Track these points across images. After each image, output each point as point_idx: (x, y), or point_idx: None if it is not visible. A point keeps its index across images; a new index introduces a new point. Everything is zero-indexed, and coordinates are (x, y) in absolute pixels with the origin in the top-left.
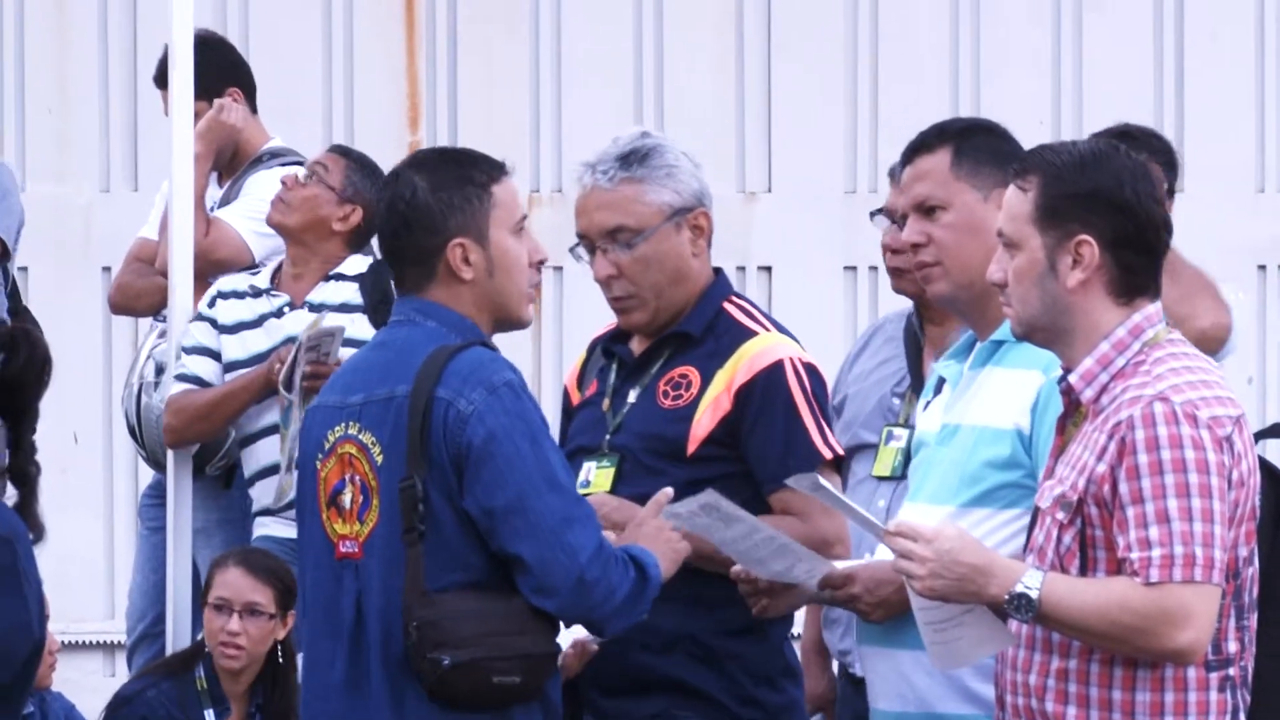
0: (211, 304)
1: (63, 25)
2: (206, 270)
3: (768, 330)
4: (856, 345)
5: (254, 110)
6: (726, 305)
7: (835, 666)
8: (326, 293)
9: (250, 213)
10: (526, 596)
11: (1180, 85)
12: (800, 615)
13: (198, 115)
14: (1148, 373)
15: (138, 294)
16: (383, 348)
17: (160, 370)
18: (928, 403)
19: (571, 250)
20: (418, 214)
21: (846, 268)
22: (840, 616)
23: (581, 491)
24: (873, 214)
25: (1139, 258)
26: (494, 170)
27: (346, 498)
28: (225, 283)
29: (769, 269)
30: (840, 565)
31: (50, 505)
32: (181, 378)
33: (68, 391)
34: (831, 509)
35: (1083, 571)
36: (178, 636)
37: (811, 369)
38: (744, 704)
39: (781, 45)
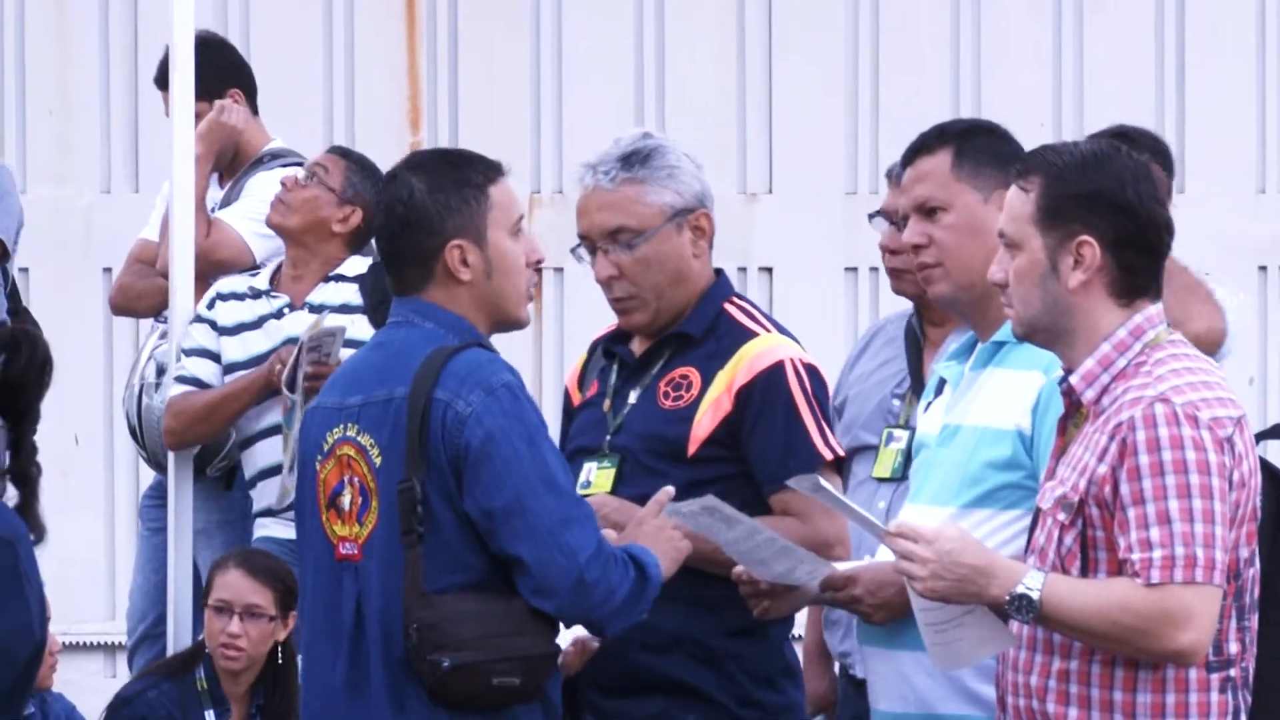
0: (211, 306)
1: (63, 27)
2: (207, 271)
3: (768, 331)
4: (857, 347)
5: (255, 111)
6: (727, 306)
7: (836, 668)
8: (326, 294)
9: (251, 214)
10: (526, 598)
11: (1181, 82)
12: (802, 617)
13: (198, 116)
14: (1149, 374)
15: (138, 295)
16: (380, 349)
17: (161, 371)
18: (928, 404)
19: (572, 251)
20: (416, 215)
21: (847, 269)
22: (840, 618)
23: (582, 492)
24: (871, 216)
25: (1140, 259)
26: (490, 171)
27: (346, 499)
28: (224, 284)
29: (770, 270)
30: (841, 567)
31: (51, 506)
32: (181, 380)
33: (68, 393)
34: (832, 510)
35: (1084, 572)
36: (178, 637)
37: (812, 370)
38: (744, 705)
39: (782, 41)
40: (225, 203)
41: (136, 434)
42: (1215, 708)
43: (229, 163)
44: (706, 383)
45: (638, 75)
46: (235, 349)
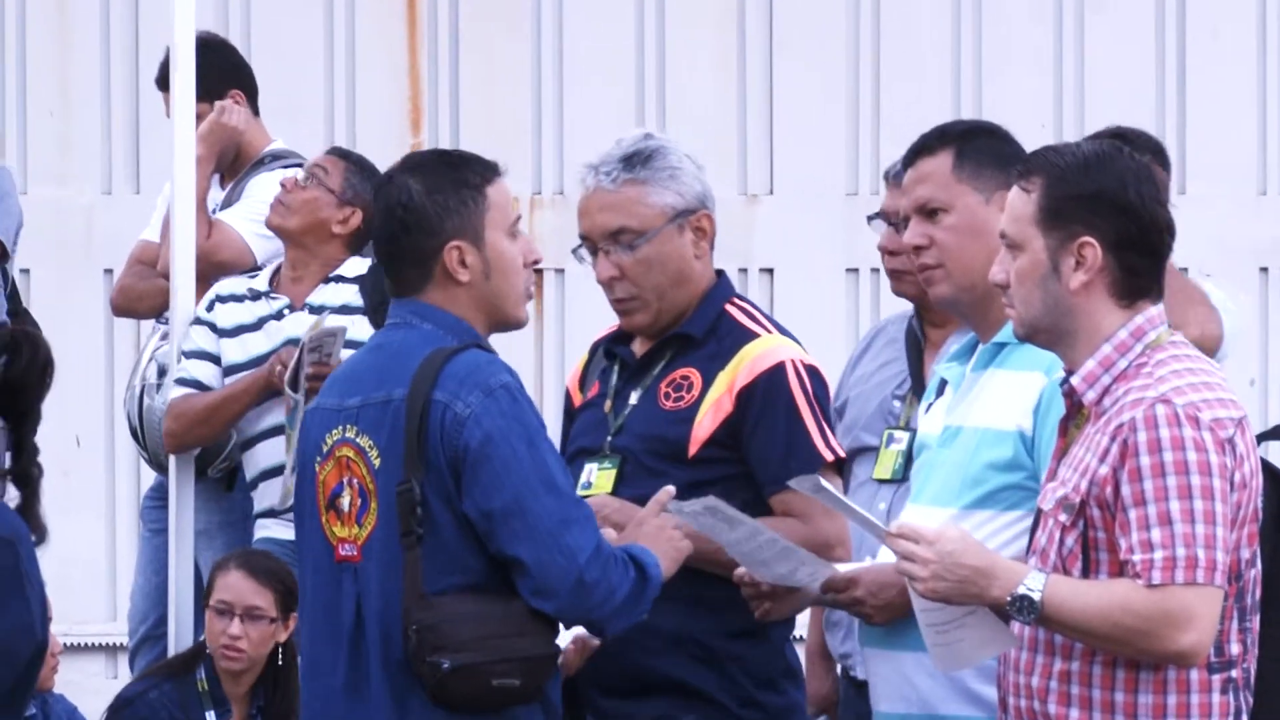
0: (210, 308)
1: (64, 27)
2: (208, 272)
3: (769, 332)
4: (858, 348)
5: (256, 112)
6: (728, 307)
7: (837, 669)
8: (326, 295)
9: (252, 215)
10: (526, 599)
11: (1182, 84)
12: (803, 618)
13: (199, 117)
14: (1150, 375)
15: (139, 296)
16: (379, 350)
17: (162, 372)
18: (929, 405)
19: (574, 252)
20: (414, 217)
21: (848, 270)
22: (841, 619)
23: (583, 493)
24: (870, 218)
25: (1142, 260)
26: (487, 171)
27: (345, 501)
28: (224, 286)
29: (771, 271)
30: (843, 568)
31: (52, 507)
32: (181, 382)
33: (69, 394)
34: (833, 511)
35: (1085, 573)
36: (179, 638)
37: (813, 371)
38: (745, 705)
39: (783, 43)
40: (226, 204)
41: (138, 435)
42: (1216, 709)
43: (230, 164)
44: (707, 384)
45: (639, 76)
46: (235, 351)
